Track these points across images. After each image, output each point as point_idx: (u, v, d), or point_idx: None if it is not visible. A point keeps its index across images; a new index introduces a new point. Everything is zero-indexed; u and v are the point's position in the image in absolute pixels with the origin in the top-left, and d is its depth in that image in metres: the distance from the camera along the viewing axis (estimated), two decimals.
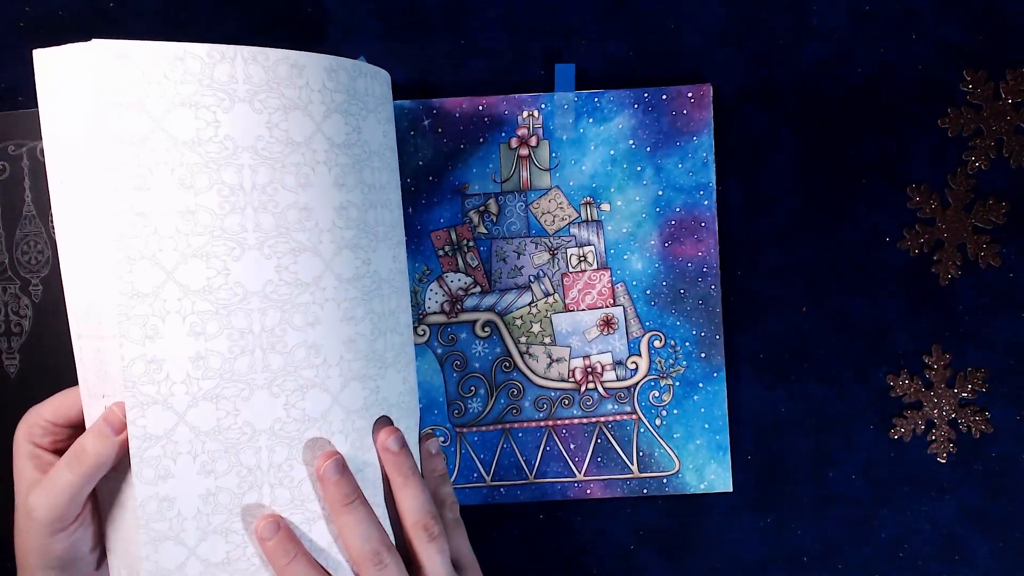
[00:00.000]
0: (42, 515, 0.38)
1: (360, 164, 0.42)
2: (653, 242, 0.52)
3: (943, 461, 0.53)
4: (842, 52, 0.52)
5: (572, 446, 0.52)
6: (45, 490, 0.38)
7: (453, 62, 0.53)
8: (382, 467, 0.41)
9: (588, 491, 0.52)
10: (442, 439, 0.52)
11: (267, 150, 0.38)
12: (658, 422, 0.52)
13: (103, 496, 0.40)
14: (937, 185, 0.52)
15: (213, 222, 0.37)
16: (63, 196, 0.38)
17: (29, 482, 0.39)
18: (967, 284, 0.52)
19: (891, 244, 0.52)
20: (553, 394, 0.52)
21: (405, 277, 0.45)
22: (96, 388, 0.39)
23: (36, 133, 0.51)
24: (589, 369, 0.52)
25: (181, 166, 0.37)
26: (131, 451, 0.37)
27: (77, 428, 0.41)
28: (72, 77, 0.37)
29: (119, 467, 0.39)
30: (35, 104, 0.52)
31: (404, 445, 0.41)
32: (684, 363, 0.52)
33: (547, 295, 0.52)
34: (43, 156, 0.51)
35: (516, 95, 0.52)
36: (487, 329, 0.52)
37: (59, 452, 0.41)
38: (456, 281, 0.52)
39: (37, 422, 0.40)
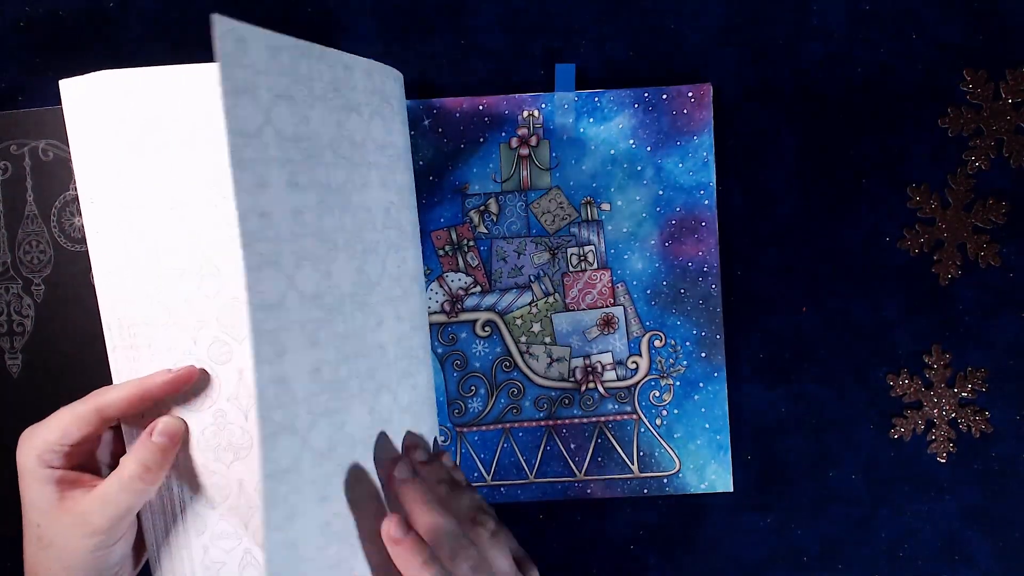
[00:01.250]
0: (100, 524, 0.37)
1: (393, 165, 0.42)
2: (653, 242, 0.52)
3: (943, 461, 0.53)
4: (842, 52, 0.52)
5: (572, 446, 0.52)
6: (102, 501, 0.37)
7: (453, 62, 0.53)
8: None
9: (588, 491, 0.52)
10: (443, 438, 0.52)
11: (341, 149, 0.38)
12: (658, 422, 0.52)
13: (156, 499, 0.40)
14: (937, 185, 0.52)
15: (314, 222, 0.36)
16: (100, 209, 0.39)
17: (50, 503, 0.38)
18: (967, 284, 0.52)
19: (891, 244, 0.52)
20: (553, 394, 0.52)
21: (423, 276, 0.46)
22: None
23: (37, 132, 0.51)
24: (589, 369, 0.52)
25: (289, 162, 0.35)
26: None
27: (85, 444, 0.40)
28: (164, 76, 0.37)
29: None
30: (35, 104, 0.52)
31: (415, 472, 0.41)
32: (684, 363, 0.52)
33: (547, 295, 0.52)
34: (45, 155, 0.52)
35: (516, 95, 0.52)
36: (487, 329, 0.52)
37: (76, 468, 0.40)
38: (456, 281, 0.52)
39: (47, 448, 0.38)
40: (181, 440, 0.38)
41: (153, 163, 0.38)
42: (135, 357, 0.39)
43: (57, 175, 0.51)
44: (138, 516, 0.40)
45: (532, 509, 0.53)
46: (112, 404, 0.38)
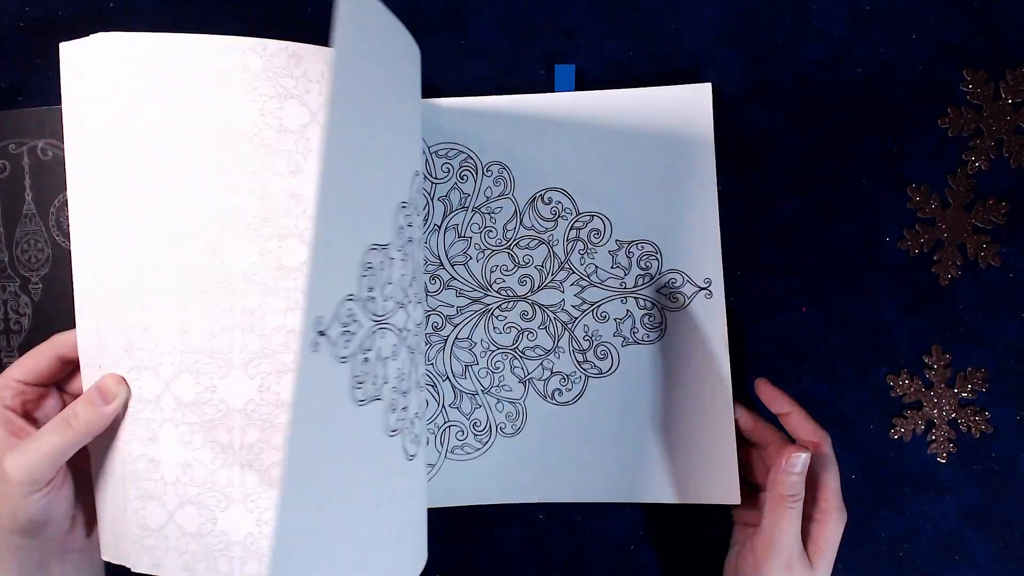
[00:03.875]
0: (19, 476, 0.39)
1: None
2: None
3: (943, 461, 0.53)
4: (842, 52, 0.52)
5: None
6: (25, 453, 0.39)
7: (453, 62, 0.53)
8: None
9: None
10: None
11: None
12: None
13: (95, 458, 0.42)
14: (937, 185, 0.52)
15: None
16: (85, 174, 0.40)
17: (0, 444, 0.40)
18: (967, 284, 0.52)
19: (891, 244, 0.52)
20: None
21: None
22: (94, 359, 0.41)
23: (36, 132, 0.51)
24: None
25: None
26: (127, 411, 0.39)
27: (47, 388, 0.44)
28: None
29: (111, 432, 0.40)
30: (34, 104, 0.52)
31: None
32: None
33: None
34: (44, 155, 0.51)
35: (516, 95, 0.52)
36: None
37: (28, 415, 0.43)
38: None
39: (7, 384, 0.42)
40: (115, 399, 0.39)
41: (150, 129, 0.39)
42: (99, 319, 0.40)
43: (56, 174, 0.51)
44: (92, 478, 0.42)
45: (532, 509, 0.53)
46: (66, 343, 0.42)
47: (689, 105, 0.51)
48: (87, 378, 0.41)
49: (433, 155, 0.51)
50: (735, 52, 0.52)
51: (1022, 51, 0.51)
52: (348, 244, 0.35)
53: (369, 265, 0.37)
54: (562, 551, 0.53)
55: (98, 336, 0.41)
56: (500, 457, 0.51)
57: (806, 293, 0.52)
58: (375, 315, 0.38)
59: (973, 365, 0.52)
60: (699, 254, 0.51)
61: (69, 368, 0.44)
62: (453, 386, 0.52)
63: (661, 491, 0.50)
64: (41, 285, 0.52)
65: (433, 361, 0.51)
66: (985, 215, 0.52)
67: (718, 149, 0.51)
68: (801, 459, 0.45)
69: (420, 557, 0.45)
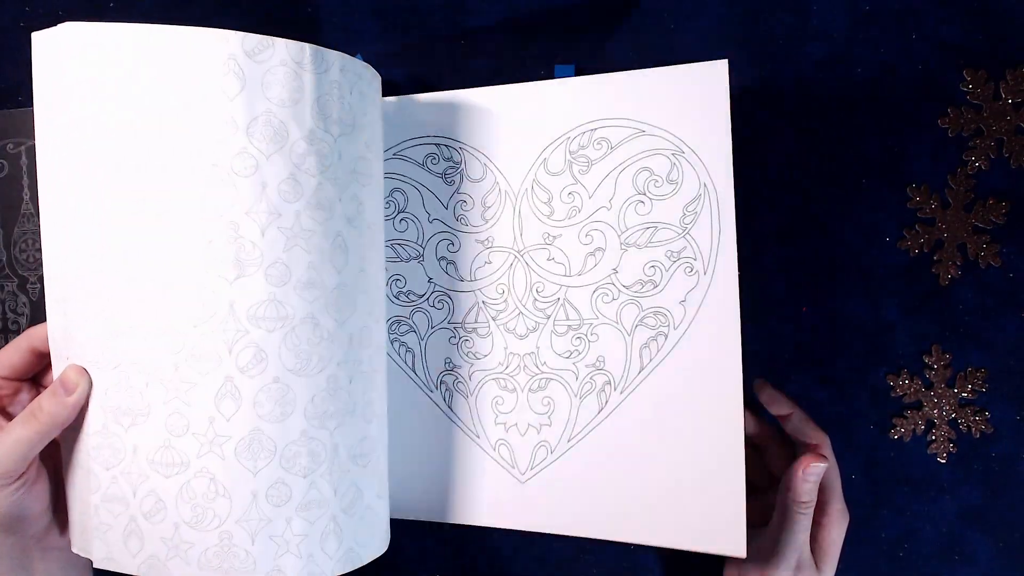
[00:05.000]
0: None
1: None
2: None
3: (943, 461, 0.52)
4: (842, 52, 0.52)
5: None
6: None
7: (453, 62, 0.52)
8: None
9: None
10: None
11: None
12: None
13: (64, 451, 0.42)
14: (937, 185, 0.52)
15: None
16: (55, 164, 0.40)
17: None
18: (967, 284, 0.52)
19: (891, 244, 0.52)
20: None
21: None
22: (62, 350, 0.41)
23: (35, 131, 0.51)
24: None
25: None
26: (91, 402, 0.39)
27: (23, 380, 0.44)
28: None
29: (77, 424, 0.40)
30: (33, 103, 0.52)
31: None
32: None
33: None
34: None
35: (512, 84, 0.51)
36: None
37: (3, 409, 0.44)
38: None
39: None
40: (77, 390, 0.39)
41: (124, 120, 0.39)
42: (67, 311, 0.40)
43: None
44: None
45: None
46: (40, 336, 0.42)
47: (702, 85, 0.46)
48: (56, 370, 0.41)
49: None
50: (735, 52, 0.52)
51: (1022, 51, 0.51)
52: None
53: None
54: (562, 551, 0.53)
55: (64, 327, 0.40)
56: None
57: (806, 293, 0.52)
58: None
59: (973, 365, 0.52)
60: (713, 254, 0.47)
61: (44, 362, 0.44)
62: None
63: (655, 532, 0.47)
64: (39, 285, 0.52)
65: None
66: (985, 215, 0.52)
67: None
68: (820, 469, 0.45)
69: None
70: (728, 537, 0.45)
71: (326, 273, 0.41)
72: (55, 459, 0.43)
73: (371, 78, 0.44)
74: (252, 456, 0.39)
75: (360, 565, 0.43)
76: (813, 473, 0.45)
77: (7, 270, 0.52)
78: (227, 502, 0.39)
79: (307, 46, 0.40)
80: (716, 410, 0.45)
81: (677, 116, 0.46)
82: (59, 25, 0.38)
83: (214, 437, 0.39)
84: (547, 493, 0.48)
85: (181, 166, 0.38)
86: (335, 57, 0.41)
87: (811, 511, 0.45)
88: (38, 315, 0.52)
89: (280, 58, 0.39)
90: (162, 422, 0.39)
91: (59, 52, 0.39)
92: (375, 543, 0.44)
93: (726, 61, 0.45)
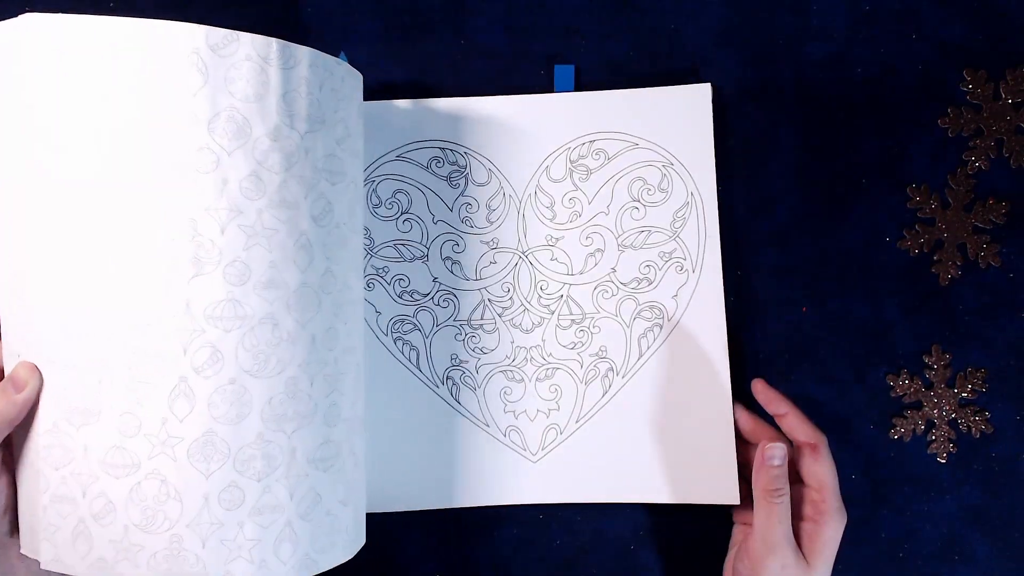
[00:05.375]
0: None
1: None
2: None
3: (943, 461, 0.53)
4: (842, 52, 0.52)
5: None
6: None
7: (453, 62, 0.53)
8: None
9: None
10: None
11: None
12: None
13: (16, 448, 0.41)
14: (937, 185, 0.52)
15: None
16: (10, 156, 0.39)
17: None
18: (967, 284, 0.52)
19: (891, 244, 0.52)
20: None
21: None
22: (13, 347, 0.40)
23: None
24: None
25: None
26: (41, 401, 0.38)
27: None
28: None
29: (28, 422, 0.39)
30: None
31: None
32: None
33: None
34: None
35: (515, 96, 0.52)
36: None
37: None
38: None
39: None
40: (27, 388, 0.38)
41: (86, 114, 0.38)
42: (22, 305, 0.40)
43: None
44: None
45: (532, 509, 0.53)
46: None
47: (689, 105, 0.51)
48: (7, 367, 0.40)
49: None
50: (735, 52, 0.52)
51: (1022, 51, 0.51)
52: None
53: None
54: (562, 551, 0.53)
55: (15, 324, 0.40)
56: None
57: (806, 293, 0.52)
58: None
59: (973, 365, 0.52)
60: (700, 255, 0.51)
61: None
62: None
63: (660, 491, 0.50)
64: None
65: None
66: (985, 215, 0.52)
67: (718, 149, 0.51)
68: (778, 451, 0.45)
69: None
70: (723, 489, 0.50)
71: (288, 273, 0.40)
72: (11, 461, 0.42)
73: (346, 75, 0.43)
74: (205, 458, 0.38)
75: (317, 572, 0.42)
76: (773, 457, 0.45)
77: None
78: (178, 505, 0.38)
79: (274, 41, 0.39)
80: (706, 386, 0.50)
81: (667, 132, 0.51)
82: (20, 16, 0.37)
83: (166, 438, 0.38)
84: (559, 469, 0.51)
85: (140, 161, 0.37)
86: (304, 53, 0.40)
87: (784, 500, 0.45)
88: None
89: (245, 53, 0.38)
90: (114, 422, 0.38)
91: (19, 43, 0.38)
92: (336, 550, 0.43)
93: (709, 85, 0.51)
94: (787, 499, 0.45)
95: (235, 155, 0.38)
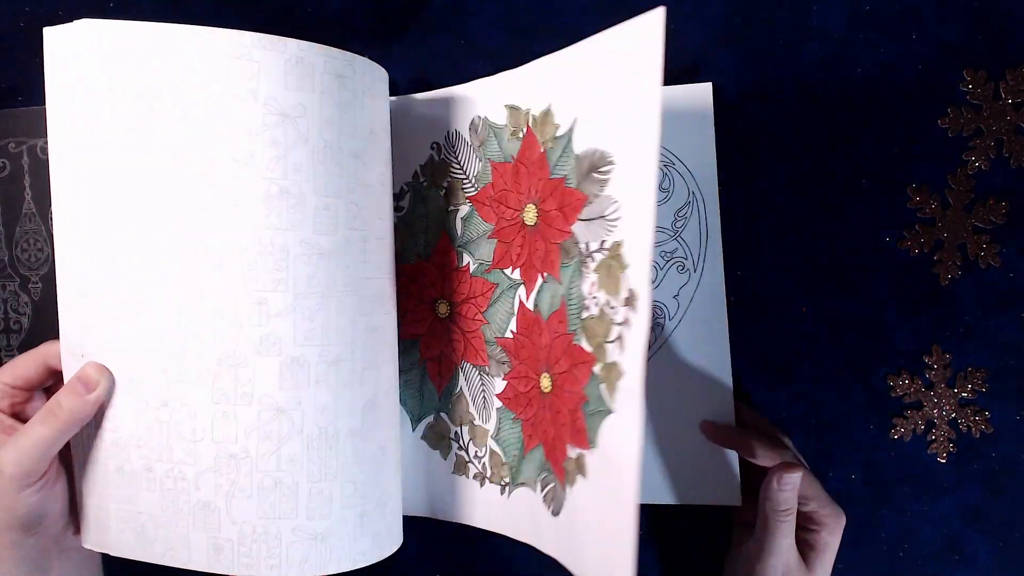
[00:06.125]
0: (12, 470, 0.39)
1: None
2: None
3: (943, 461, 0.53)
4: (842, 52, 0.52)
5: None
6: (16, 446, 0.39)
7: (453, 62, 0.53)
8: None
9: None
10: None
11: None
12: None
13: (75, 448, 0.42)
14: (937, 185, 0.52)
15: None
16: (67, 160, 0.40)
17: None
18: (967, 284, 0.52)
19: (891, 244, 0.52)
20: None
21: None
22: (76, 347, 0.41)
23: (36, 131, 0.51)
24: None
25: None
26: (111, 399, 0.40)
27: (34, 391, 0.44)
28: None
29: (94, 421, 0.40)
30: (34, 103, 0.52)
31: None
32: None
33: None
34: (44, 154, 0.51)
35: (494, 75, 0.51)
36: None
37: (17, 416, 0.43)
38: None
39: None
40: (98, 387, 0.39)
41: (134, 120, 0.39)
42: (84, 304, 0.41)
43: None
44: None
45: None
46: (53, 352, 0.42)
47: (690, 105, 0.51)
48: (68, 367, 0.41)
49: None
50: (735, 52, 0.52)
51: (1022, 51, 0.51)
52: None
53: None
54: None
55: (80, 324, 0.41)
56: None
57: (806, 293, 0.52)
58: None
59: (973, 365, 0.52)
60: (701, 254, 0.51)
61: (55, 376, 0.44)
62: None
63: (662, 493, 0.50)
64: (41, 284, 0.52)
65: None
66: (985, 215, 0.52)
67: (718, 149, 0.51)
68: (794, 479, 0.45)
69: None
70: (724, 490, 0.50)
71: (338, 278, 0.42)
72: (71, 458, 0.43)
73: (373, 72, 0.44)
74: (265, 457, 0.40)
75: (355, 567, 0.43)
76: (788, 483, 0.45)
77: (9, 270, 0.52)
78: (237, 500, 0.40)
79: (314, 45, 0.40)
80: (709, 384, 0.50)
81: (668, 131, 0.51)
82: (75, 22, 0.39)
83: (230, 435, 0.39)
84: None
85: (204, 169, 0.38)
86: (347, 58, 0.41)
87: (792, 517, 0.45)
88: (40, 315, 0.52)
89: (291, 56, 0.39)
90: (183, 420, 0.39)
91: (73, 49, 0.39)
92: (374, 550, 0.44)
93: (710, 84, 0.50)
94: (794, 517, 0.45)
95: (288, 156, 0.39)
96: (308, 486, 0.40)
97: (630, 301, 0.37)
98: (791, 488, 0.45)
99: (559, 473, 0.43)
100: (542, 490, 0.45)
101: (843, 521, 0.46)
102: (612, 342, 0.38)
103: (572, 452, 0.41)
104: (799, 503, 0.46)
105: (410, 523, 0.52)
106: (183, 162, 0.39)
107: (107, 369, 0.40)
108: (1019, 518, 0.52)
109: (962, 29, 0.51)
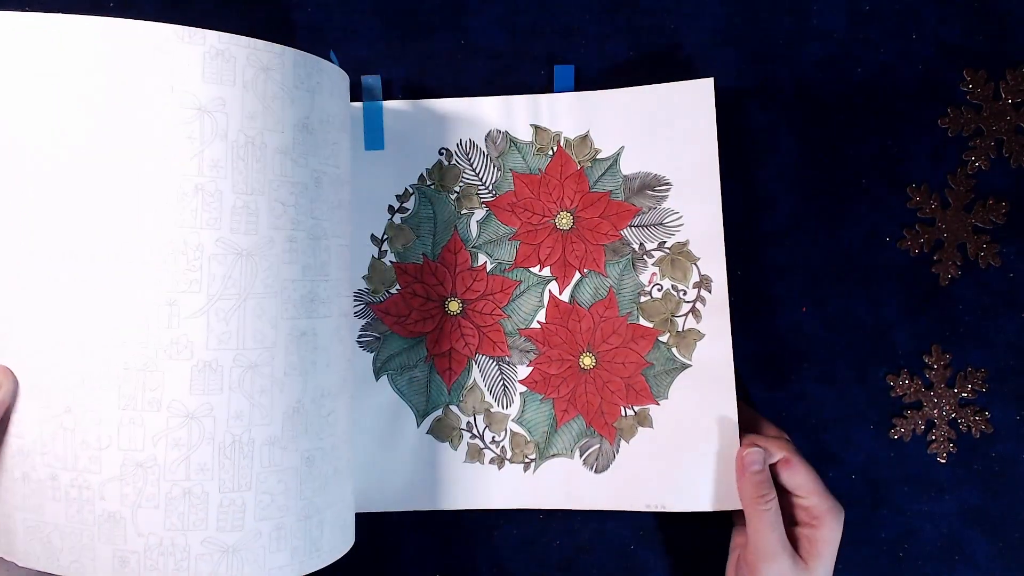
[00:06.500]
0: None
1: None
2: None
3: (943, 461, 0.53)
4: (842, 52, 0.52)
5: None
6: None
7: (453, 62, 0.53)
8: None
9: None
10: None
11: None
12: None
13: None
14: (937, 185, 0.52)
15: None
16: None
17: None
18: (967, 284, 0.52)
19: (891, 244, 0.52)
20: None
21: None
22: None
23: None
24: None
25: None
26: (16, 402, 0.38)
27: None
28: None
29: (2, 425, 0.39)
30: None
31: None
32: None
33: None
34: None
35: (514, 96, 0.52)
36: None
37: None
38: None
39: None
40: (2, 390, 0.38)
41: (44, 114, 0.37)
42: None
43: None
44: None
45: (532, 509, 0.53)
46: None
47: (691, 101, 0.50)
48: None
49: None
50: (735, 52, 0.52)
51: (1022, 51, 0.51)
52: None
53: None
54: (562, 551, 0.53)
55: None
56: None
57: (806, 293, 0.52)
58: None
59: (973, 365, 0.52)
60: (703, 252, 0.50)
61: None
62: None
63: (663, 497, 0.50)
64: None
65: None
66: (985, 215, 0.52)
67: (718, 149, 0.51)
68: (756, 455, 0.45)
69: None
70: (726, 492, 0.49)
71: (281, 277, 0.40)
72: None
73: (333, 74, 0.43)
74: (186, 461, 0.38)
75: (306, 572, 0.42)
76: (753, 462, 0.44)
77: None
78: (159, 510, 0.38)
79: (257, 42, 0.39)
80: (713, 389, 0.49)
81: (669, 127, 0.50)
82: None
83: (147, 441, 0.38)
84: (560, 477, 0.51)
85: (108, 159, 0.37)
86: (289, 53, 0.40)
87: (773, 505, 0.45)
88: None
89: (213, 49, 0.38)
90: (91, 426, 0.38)
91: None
92: (324, 553, 0.43)
93: (711, 80, 0.49)
94: (775, 504, 0.45)
95: (205, 152, 0.38)
96: (219, 496, 0.39)
97: (702, 284, 0.50)
98: (759, 467, 0.45)
99: (608, 434, 0.50)
100: (581, 455, 0.50)
101: (842, 516, 0.46)
102: (681, 316, 0.50)
103: (628, 412, 0.50)
104: (797, 496, 0.46)
105: (409, 522, 0.52)
106: (92, 157, 0.37)
107: (11, 372, 0.38)
108: (1019, 518, 0.52)
109: (962, 29, 0.51)
